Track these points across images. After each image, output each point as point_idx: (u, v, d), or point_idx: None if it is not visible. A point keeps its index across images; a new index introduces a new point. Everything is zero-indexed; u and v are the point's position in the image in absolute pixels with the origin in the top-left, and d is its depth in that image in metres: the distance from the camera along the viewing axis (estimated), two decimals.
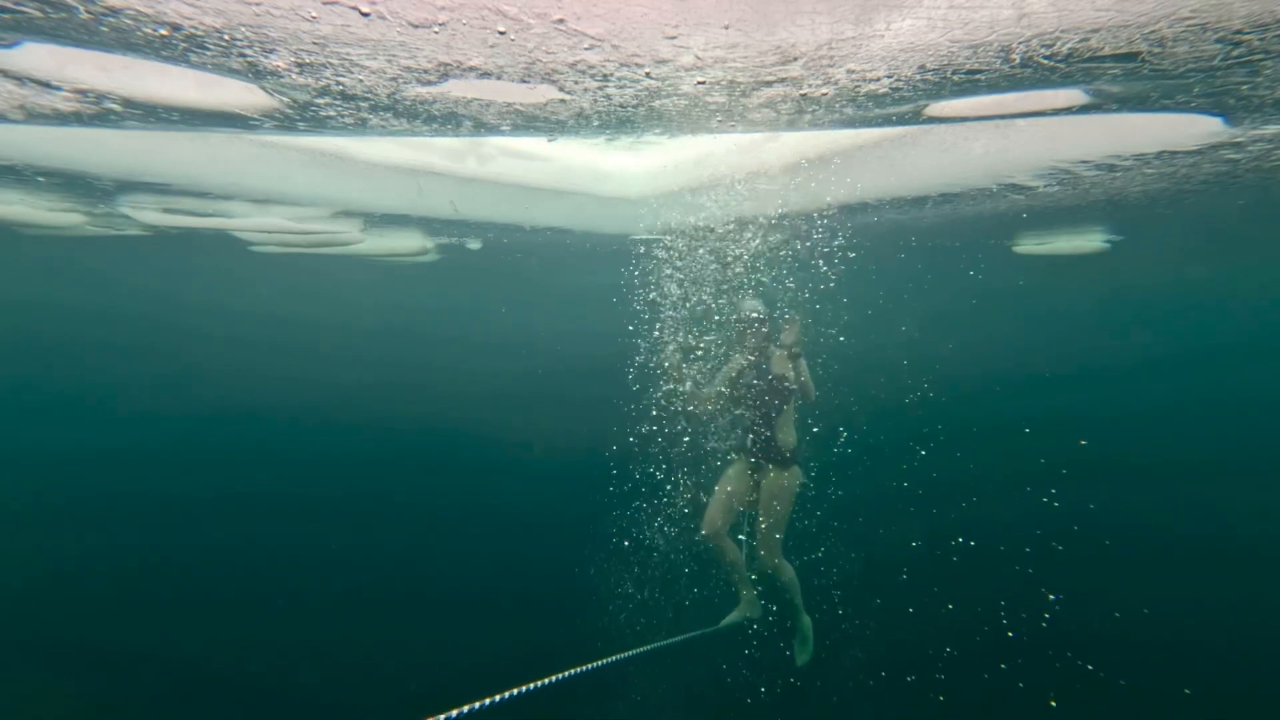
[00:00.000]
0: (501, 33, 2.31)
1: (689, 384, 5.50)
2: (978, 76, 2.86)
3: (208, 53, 2.48)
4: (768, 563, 5.24)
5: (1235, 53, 2.65)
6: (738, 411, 5.44)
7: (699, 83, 2.92)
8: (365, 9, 2.11)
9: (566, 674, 3.30)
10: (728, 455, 5.56)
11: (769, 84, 2.94)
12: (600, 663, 3.63)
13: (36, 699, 6.75)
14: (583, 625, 8.22)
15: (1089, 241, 9.40)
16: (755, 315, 5.42)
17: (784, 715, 6.75)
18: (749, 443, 5.34)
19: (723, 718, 6.78)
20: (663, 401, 5.68)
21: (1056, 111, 3.58)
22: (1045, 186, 5.98)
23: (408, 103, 3.20)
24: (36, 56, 2.75)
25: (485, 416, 19.34)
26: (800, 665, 5.55)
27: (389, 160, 5.75)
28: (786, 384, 5.31)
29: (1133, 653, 7.36)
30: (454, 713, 2.52)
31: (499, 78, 2.81)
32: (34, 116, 3.50)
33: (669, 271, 7.28)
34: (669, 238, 8.42)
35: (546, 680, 3.16)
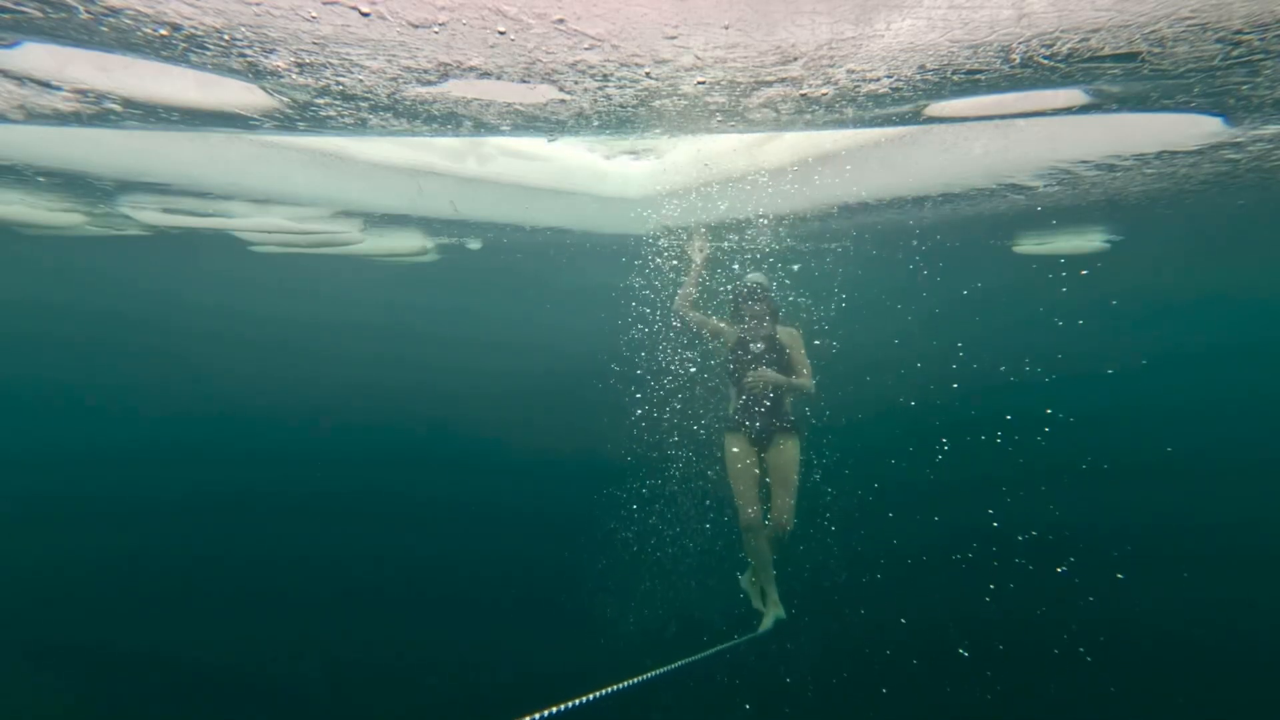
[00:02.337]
0: (501, 33, 2.31)
1: (690, 289, 5.46)
2: (978, 76, 2.86)
3: (208, 53, 2.48)
4: (783, 530, 5.22)
5: (1235, 53, 2.65)
6: (739, 384, 5.40)
7: (699, 83, 2.92)
8: (365, 9, 2.11)
9: (611, 689, 3.24)
10: (725, 431, 5.46)
11: (769, 84, 2.94)
12: (642, 678, 3.59)
13: (36, 699, 6.75)
14: (585, 627, 8.23)
15: (1089, 241, 9.40)
16: (758, 286, 5.39)
17: (787, 715, 6.76)
18: (755, 416, 5.30)
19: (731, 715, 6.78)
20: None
21: (1056, 111, 3.58)
22: (1045, 186, 5.98)
23: (408, 103, 3.20)
24: (36, 56, 2.75)
25: (485, 416, 19.35)
26: (773, 621, 5.31)
27: (389, 160, 5.74)
28: (788, 356, 5.31)
29: (1132, 653, 7.37)
30: None
31: (499, 78, 2.81)
32: (34, 116, 3.50)
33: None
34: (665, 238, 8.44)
35: (592, 696, 3.10)
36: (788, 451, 5.24)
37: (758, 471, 5.30)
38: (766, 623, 5.25)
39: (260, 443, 16.97)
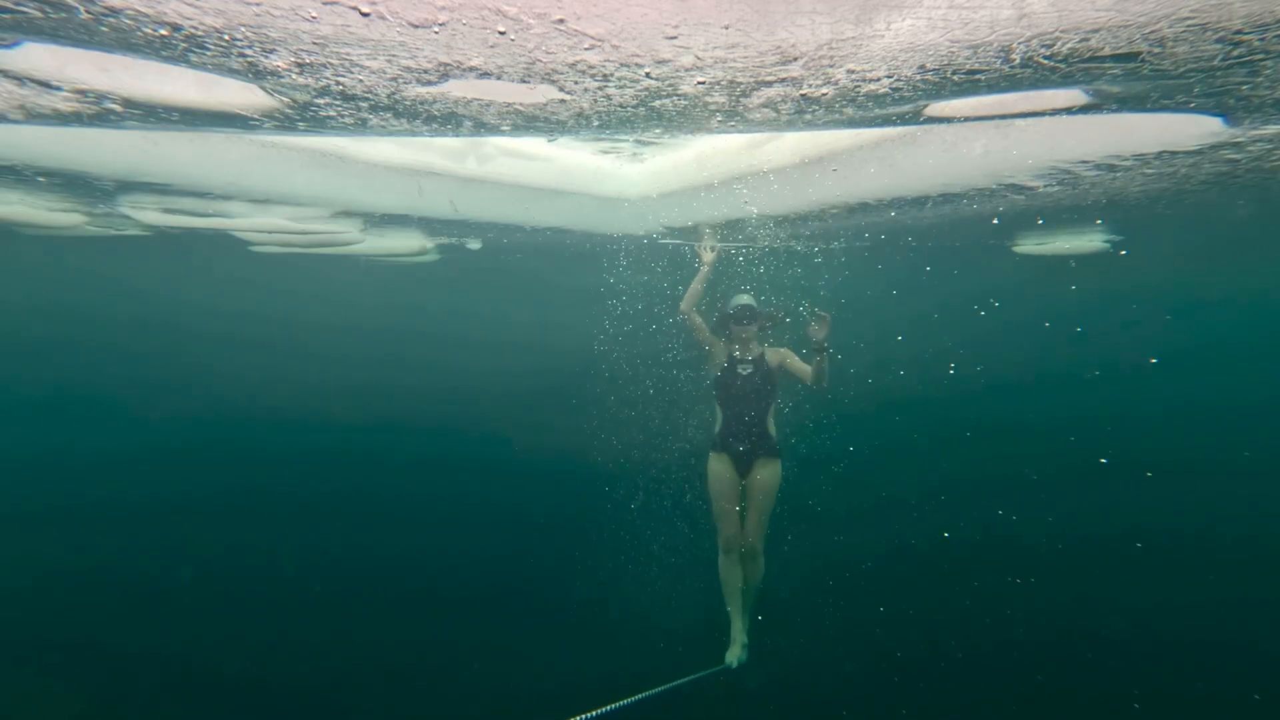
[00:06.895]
0: (501, 33, 2.31)
1: (697, 287, 5.43)
2: (978, 76, 2.86)
3: (208, 53, 2.48)
4: (753, 552, 5.20)
5: (1235, 53, 2.65)
6: (727, 407, 5.37)
7: (699, 83, 2.92)
8: (365, 9, 2.11)
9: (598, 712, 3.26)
10: (708, 450, 5.42)
11: (769, 84, 2.94)
12: (609, 708, 3.59)
13: (36, 700, 6.75)
14: (584, 629, 8.22)
15: (1089, 241, 9.40)
16: (746, 308, 5.36)
17: (787, 715, 6.75)
18: (741, 437, 5.28)
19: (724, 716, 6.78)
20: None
21: (1056, 111, 3.58)
22: (1045, 186, 5.97)
23: (408, 103, 3.20)
24: (36, 56, 2.75)
25: (486, 416, 19.35)
26: (731, 664, 5.13)
27: (389, 160, 5.74)
28: (775, 378, 5.30)
29: (1133, 653, 7.36)
30: None
31: (499, 78, 2.81)
32: (34, 116, 3.50)
33: None
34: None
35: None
36: (769, 474, 5.21)
37: (732, 487, 5.27)
38: (734, 654, 5.10)
39: (259, 443, 16.98)
